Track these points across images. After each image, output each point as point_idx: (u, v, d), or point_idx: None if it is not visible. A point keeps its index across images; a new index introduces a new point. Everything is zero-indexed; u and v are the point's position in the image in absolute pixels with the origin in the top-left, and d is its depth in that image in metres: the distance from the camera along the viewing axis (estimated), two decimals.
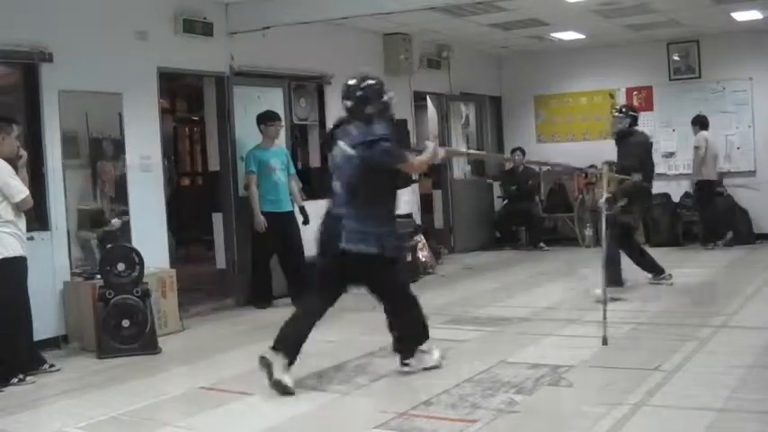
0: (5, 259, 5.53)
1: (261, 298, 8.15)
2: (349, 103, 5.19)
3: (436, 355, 5.40)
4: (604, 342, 5.76)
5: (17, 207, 5.58)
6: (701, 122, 11.02)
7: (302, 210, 8.21)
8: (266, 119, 8.15)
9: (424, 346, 5.35)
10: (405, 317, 5.31)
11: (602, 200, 6.93)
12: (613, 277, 7.38)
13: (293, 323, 5.17)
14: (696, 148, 10.87)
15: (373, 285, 5.24)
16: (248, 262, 8.26)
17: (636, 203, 7.91)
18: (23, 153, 5.81)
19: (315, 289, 5.36)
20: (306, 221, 8.11)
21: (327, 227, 5.14)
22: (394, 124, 5.53)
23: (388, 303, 5.30)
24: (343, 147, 5.13)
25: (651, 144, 8.55)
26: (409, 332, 5.33)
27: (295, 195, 8.29)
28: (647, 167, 8.06)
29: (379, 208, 5.10)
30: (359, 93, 5.16)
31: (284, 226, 8.11)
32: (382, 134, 5.05)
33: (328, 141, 5.35)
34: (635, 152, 7.95)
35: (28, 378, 5.56)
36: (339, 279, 5.21)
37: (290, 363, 4.99)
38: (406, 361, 5.31)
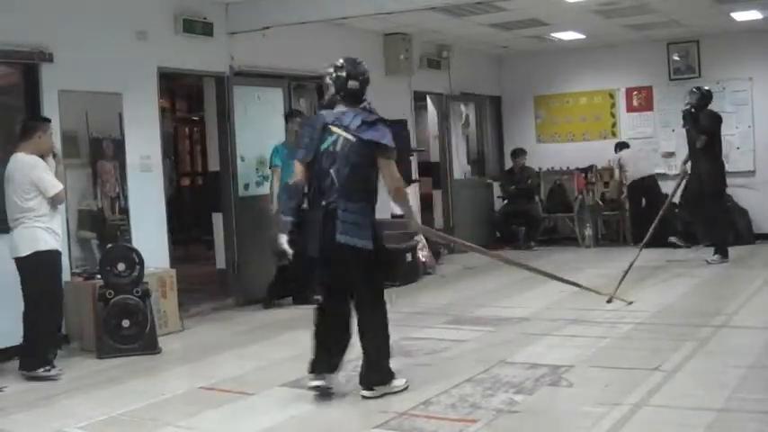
0: (38, 252, 5.61)
1: (275, 295, 8.08)
2: (356, 84, 4.99)
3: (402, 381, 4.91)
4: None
5: (52, 201, 5.68)
6: (620, 146, 11.86)
7: None
8: (289, 116, 8.31)
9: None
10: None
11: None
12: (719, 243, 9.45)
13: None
14: (617, 169, 11.84)
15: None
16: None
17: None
18: (58, 150, 5.97)
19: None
20: None
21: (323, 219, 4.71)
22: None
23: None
24: (342, 133, 4.81)
25: (721, 119, 9.43)
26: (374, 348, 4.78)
27: None
28: (715, 141, 9.21)
29: (373, 200, 4.78)
30: (364, 76, 5.04)
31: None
32: (380, 117, 4.86)
33: (320, 131, 4.91)
34: (707, 120, 9.08)
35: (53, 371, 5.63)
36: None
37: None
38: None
